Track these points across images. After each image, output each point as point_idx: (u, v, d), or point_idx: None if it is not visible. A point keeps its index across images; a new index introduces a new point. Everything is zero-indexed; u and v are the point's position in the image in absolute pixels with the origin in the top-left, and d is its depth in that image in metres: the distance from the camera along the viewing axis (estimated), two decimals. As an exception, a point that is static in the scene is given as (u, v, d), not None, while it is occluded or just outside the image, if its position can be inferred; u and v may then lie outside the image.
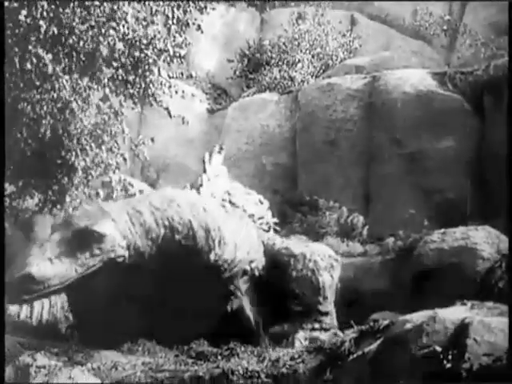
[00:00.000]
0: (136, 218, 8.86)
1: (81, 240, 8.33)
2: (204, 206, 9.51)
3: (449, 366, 6.03)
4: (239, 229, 10.07)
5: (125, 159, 10.70)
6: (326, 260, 10.62)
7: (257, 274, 10.21)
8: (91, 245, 8.36)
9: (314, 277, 10.46)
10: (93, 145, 10.20)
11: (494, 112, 15.10)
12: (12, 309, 9.04)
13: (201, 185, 10.74)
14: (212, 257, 9.24)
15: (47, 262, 8.08)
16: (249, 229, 10.50)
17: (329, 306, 10.20)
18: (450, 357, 6.21)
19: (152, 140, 11.07)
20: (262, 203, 11.55)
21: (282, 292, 10.13)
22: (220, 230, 9.46)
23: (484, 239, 11.37)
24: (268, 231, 11.29)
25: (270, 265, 10.43)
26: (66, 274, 8.25)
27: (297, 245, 10.81)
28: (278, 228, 11.84)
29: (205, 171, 11.09)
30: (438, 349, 6.54)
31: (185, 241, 9.06)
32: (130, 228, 8.81)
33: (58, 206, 10.29)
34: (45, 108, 9.24)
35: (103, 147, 10.35)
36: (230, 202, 10.87)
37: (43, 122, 9.27)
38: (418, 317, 7.54)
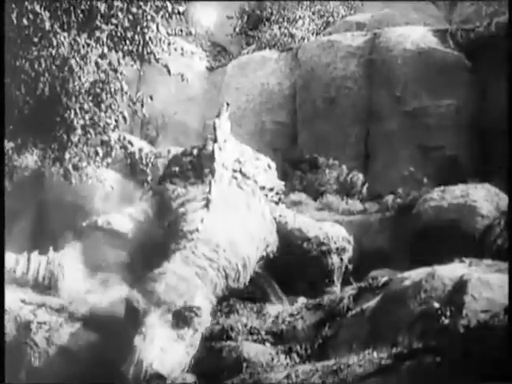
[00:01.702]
0: (204, 276, 8.65)
1: (181, 319, 7.85)
2: (239, 239, 9.49)
3: (447, 322, 6.08)
4: (255, 220, 10.12)
5: (124, 117, 10.64)
6: (338, 243, 10.62)
7: (271, 256, 10.26)
8: (192, 321, 7.92)
9: (325, 260, 10.49)
10: (91, 103, 10.14)
11: (495, 69, 15.00)
12: (9, 262, 9.06)
13: (213, 157, 10.63)
14: (242, 285, 9.41)
15: (162, 354, 7.55)
16: (262, 208, 10.50)
17: (335, 288, 10.22)
18: (448, 313, 6.25)
19: (151, 98, 11.01)
20: (270, 168, 11.50)
21: (289, 271, 10.14)
22: (249, 259, 9.56)
23: (483, 197, 11.38)
24: (278, 203, 11.27)
25: (281, 244, 10.44)
26: (183, 361, 7.82)
27: (310, 226, 10.75)
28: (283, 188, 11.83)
29: (216, 140, 10.96)
30: (436, 305, 6.58)
31: (233, 284, 9.16)
32: (207, 290, 8.58)
33: (58, 164, 10.28)
34: (43, 65, 9.16)
35: (102, 105, 10.29)
36: (241, 171, 10.81)
37: (41, 79, 9.21)
38: (416, 274, 7.59)
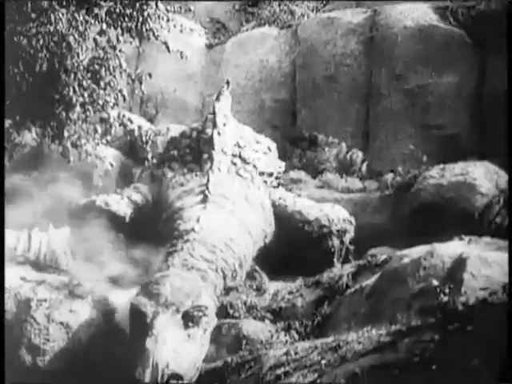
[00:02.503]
0: (205, 278, 8.66)
1: (190, 319, 7.75)
2: (236, 237, 9.51)
3: (445, 299, 6.10)
4: (254, 212, 10.10)
5: (123, 96, 10.60)
6: (339, 225, 10.58)
7: (268, 245, 10.23)
8: (201, 320, 7.82)
9: (325, 242, 10.47)
10: (90, 80, 10.09)
11: (495, 47, 14.94)
12: (9, 242, 9.07)
13: (212, 143, 10.60)
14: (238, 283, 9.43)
15: (176, 355, 7.43)
16: (262, 197, 10.46)
17: (334, 270, 10.21)
18: (446, 291, 6.27)
19: (150, 75, 10.96)
20: (270, 150, 11.43)
21: (289, 254, 10.09)
22: (246, 257, 9.60)
23: (483, 175, 11.38)
24: (277, 187, 11.22)
25: (281, 228, 10.40)
26: (197, 360, 7.69)
27: (310, 209, 10.70)
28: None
29: (215, 125, 10.89)
30: (435, 283, 6.60)
31: (230, 283, 9.18)
32: (210, 291, 8.55)
33: (56, 142, 10.26)
34: (41, 41, 9.12)
35: (101, 83, 10.25)
36: (240, 156, 10.75)
37: (39, 55, 9.17)
38: (415, 252, 7.61)
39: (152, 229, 9.98)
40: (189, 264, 8.70)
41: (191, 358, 7.61)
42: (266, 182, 10.87)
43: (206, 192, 9.91)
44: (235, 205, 9.96)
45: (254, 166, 10.80)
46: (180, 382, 7.39)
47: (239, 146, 10.89)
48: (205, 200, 9.80)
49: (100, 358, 7.82)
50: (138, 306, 7.78)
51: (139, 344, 7.42)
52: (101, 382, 7.70)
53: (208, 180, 10.09)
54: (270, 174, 11.08)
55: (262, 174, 10.86)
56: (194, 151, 10.95)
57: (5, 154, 9.58)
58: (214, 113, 11.11)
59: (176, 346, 7.50)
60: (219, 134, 10.82)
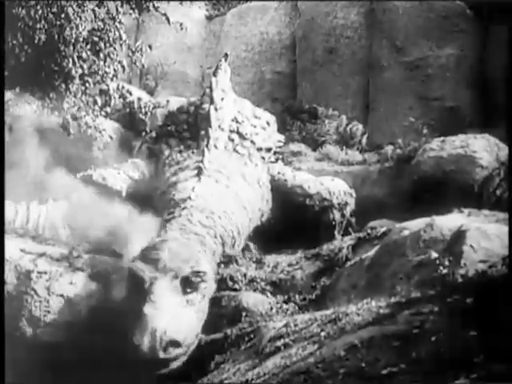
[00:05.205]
0: (203, 243, 8.61)
1: (188, 285, 7.74)
2: (231, 208, 9.49)
3: (445, 271, 6.11)
4: (250, 190, 10.06)
5: (123, 67, 10.56)
6: (340, 197, 10.57)
7: (265, 222, 10.21)
8: (199, 286, 7.82)
9: (326, 215, 10.45)
10: (89, 52, 10.05)
11: (496, 18, 14.86)
12: (8, 215, 9.07)
13: (209, 120, 10.54)
14: (237, 252, 9.40)
15: (174, 321, 7.41)
16: (259, 174, 10.41)
17: (335, 242, 10.20)
18: (446, 263, 6.27)
19: (150, 47, 10.92)
20: (269, 124, 11.35)
21: (290, 228, 10.06)
22: (242, 226, 9.58)
23: (483, 147, 11.35)
24: (276, 161, 11.17)
25: (282, 202, 10.36)
26: (196, 326, 7.69)
27: (311, 182, 10.67)
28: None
29: (212, 101, 10.81)
30: (435, 255, 6.61)
31: (229, 251, 9.16)
32: (208, 257, 8.52)
33: (56, 114, 10.24)
34: (39, 12, 9.07)
35: (101, 54, 10.21)
36: (238, 132, 10.69)
37: (38, 26, 9.12)
38: (415, 224, 7.61)
39: (148, 204, 9.97)
40: (187, 229, 8.69)
41: (190, 324, 7.62)
42: (263, 158, 10.81)
43: (201, 165, 9.90)
44: (231, 181, 9.94)
45: (252, 142, 10.74)
46: (179, 349, 7.41)
47: (237, 122, 10.82)
48: (199, 173, 9.80)
49: (100, 330, 7.85)
50: (136, 271, 7.75)
51: (137, 310, 7.40)
52: (100, 353, 7.74)
53: (203, 157, 10.07)
54: (269, 150, 11.01)
55: (259, 149, 10.80)
56: (191, 127, 10.90)
57: (5, 126, 9.56)
58: (211, 89, 11.02)
59: (174, 312, 7.49)
60: (216, 109, 10.74)
